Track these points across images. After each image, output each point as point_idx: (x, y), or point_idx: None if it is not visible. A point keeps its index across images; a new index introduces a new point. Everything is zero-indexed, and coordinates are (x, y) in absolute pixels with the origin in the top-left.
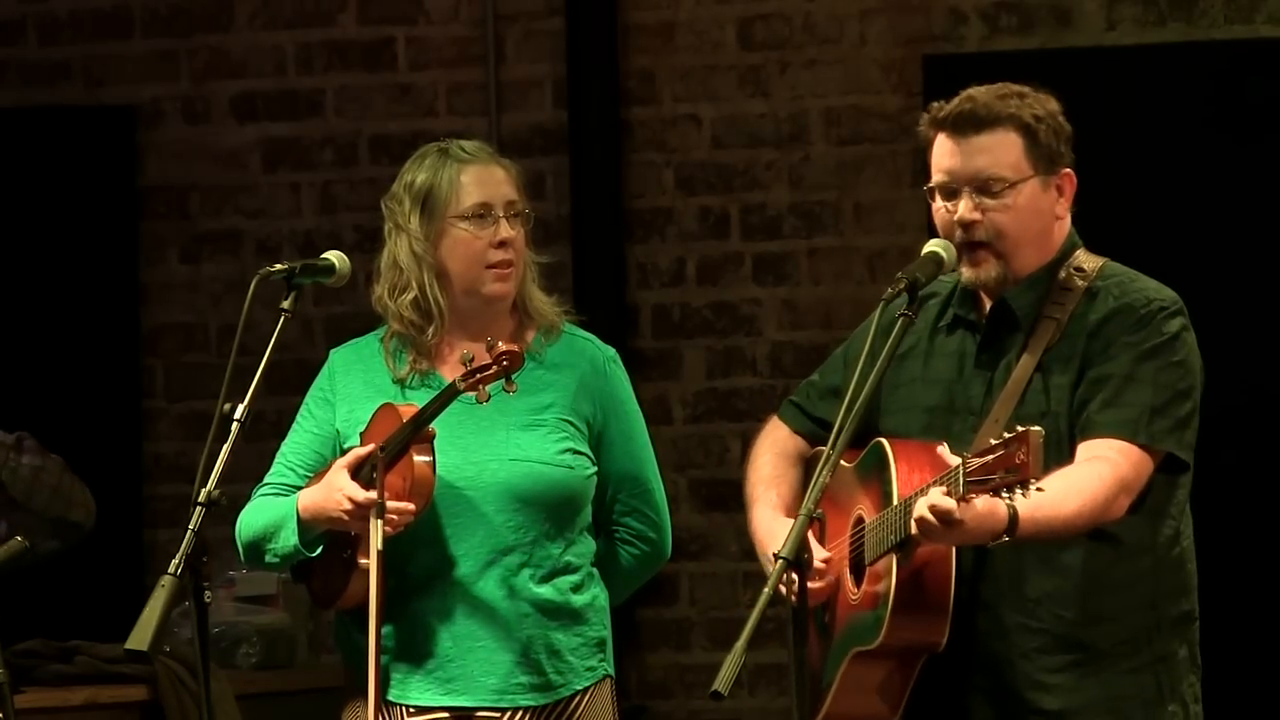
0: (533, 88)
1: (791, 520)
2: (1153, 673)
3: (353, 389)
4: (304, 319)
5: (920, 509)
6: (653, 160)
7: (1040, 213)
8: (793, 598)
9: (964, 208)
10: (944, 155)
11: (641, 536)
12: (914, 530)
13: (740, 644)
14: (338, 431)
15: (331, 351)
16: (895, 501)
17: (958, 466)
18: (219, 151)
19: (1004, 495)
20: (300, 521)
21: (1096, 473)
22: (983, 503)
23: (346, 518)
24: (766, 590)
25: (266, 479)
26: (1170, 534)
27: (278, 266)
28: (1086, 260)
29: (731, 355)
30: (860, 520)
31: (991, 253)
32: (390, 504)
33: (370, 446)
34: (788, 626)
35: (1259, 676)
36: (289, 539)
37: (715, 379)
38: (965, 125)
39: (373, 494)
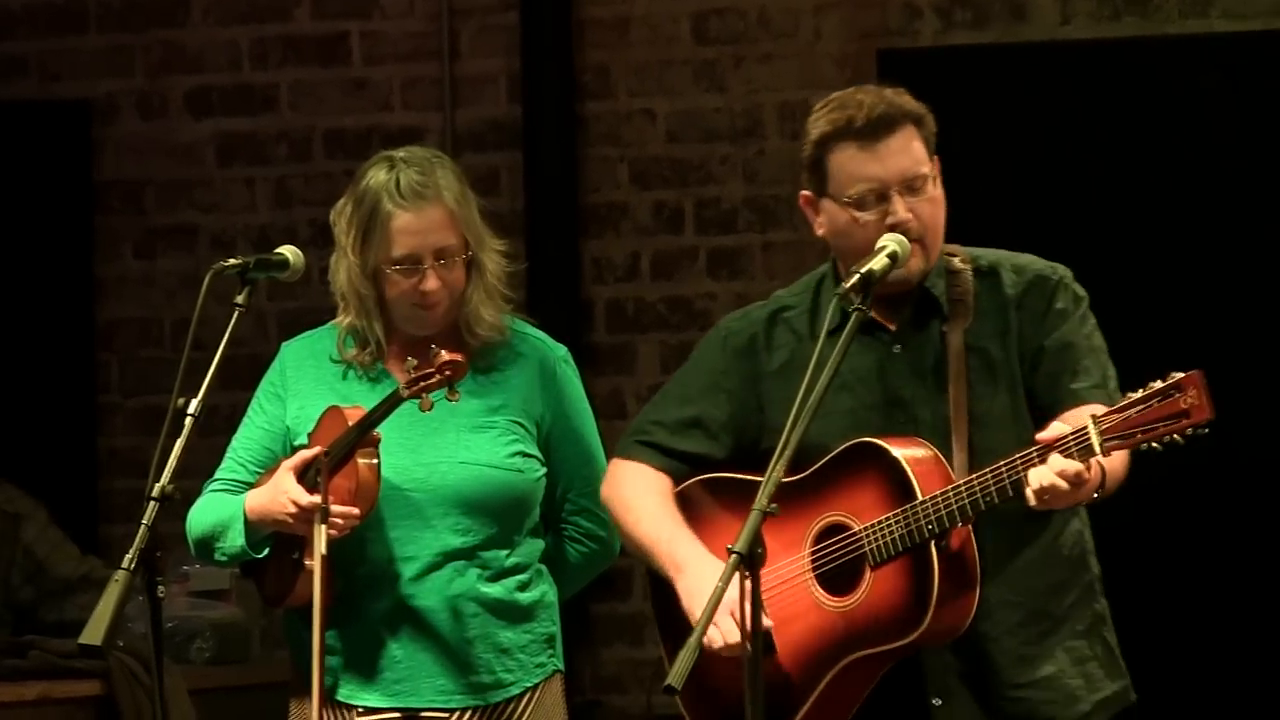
0: (487, 83)
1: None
2: (1099, 631)
3: (304, 385)
4: (258, 314)
5: (1045, 478)
6: (607, 155)
7: (943, 201)
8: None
9: (899, 209)
10: (860, 164)
11: (591, 535)
12: (1033, 501)
13: (694, 639)
14: (288, 427)
15: (283, 345)
16: (919, 496)
17: (1085, 428)
18: (174, 146)
19: (1156, 446)
20: (247, 522)
21: None
22: (1094, 462)
23: (291, 521)
24: (719, 585)
25: (217, 474)
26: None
27: (232, 261)
28: (947, 246)
29: (686, 350)
30: (838, 528)
31: (920, 247)
32: (334, 508)
33: (315, 450)
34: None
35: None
36: (236, 539)
37: (670, 373)
38: (880, 129)
39: (317, 498)
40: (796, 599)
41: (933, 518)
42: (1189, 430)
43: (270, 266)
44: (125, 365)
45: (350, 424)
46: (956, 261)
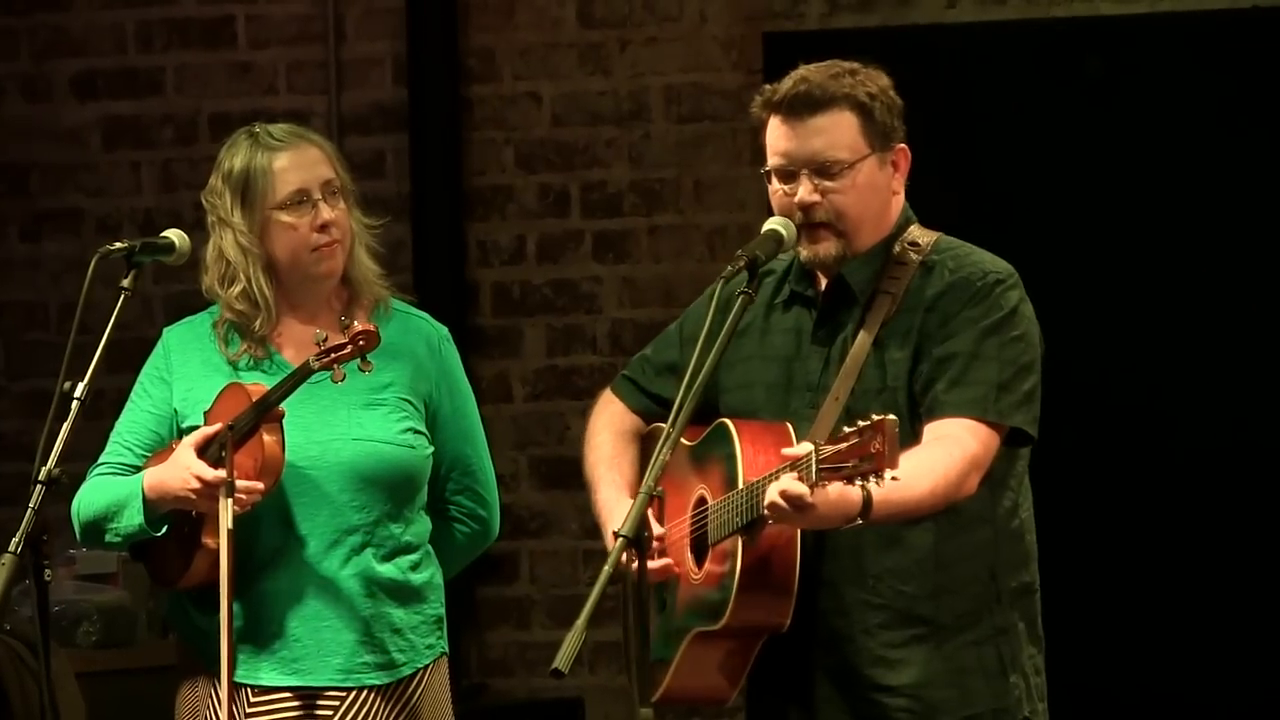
0: (373, 66)
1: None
2: (994, 644)
3: (190, 367)
4: (144, 297)
5: (772, 494)
6: (493, 138)
7: (878, 190)
8: (633, 575)
9: (803, 190)
10: (779, 138)
11: (472, 515)
12: (766, 514)
13: (581, 622)
14: (175, 410)
15: (165, 330)
16: (741, 484)
17: (810, 454)
18: (59, 130)
19: (857, 483)
20: (145, 500)
21: (947, 453)
22: (835, 488)
23: (194, 496)
24: (606, 568)
25: (102, 459)
26: (1009, 505)
27: (118, 245)
28: (920, 235)
29: (571, 333)
30: (703, 501)
31: (832, 232)
32: (240, 483)
33: (218, 425)
34: (628, 604)
35: (1111, 650)
36: (133, 518)
37: (556, 357)
38: (800, 107)
39: (222, 473)
40: (680, 560)
41: (734, 511)
42: (870, 475)
43: (156, 250)
44: (10, 349)
45: (253, 399)
46: (910, 253)
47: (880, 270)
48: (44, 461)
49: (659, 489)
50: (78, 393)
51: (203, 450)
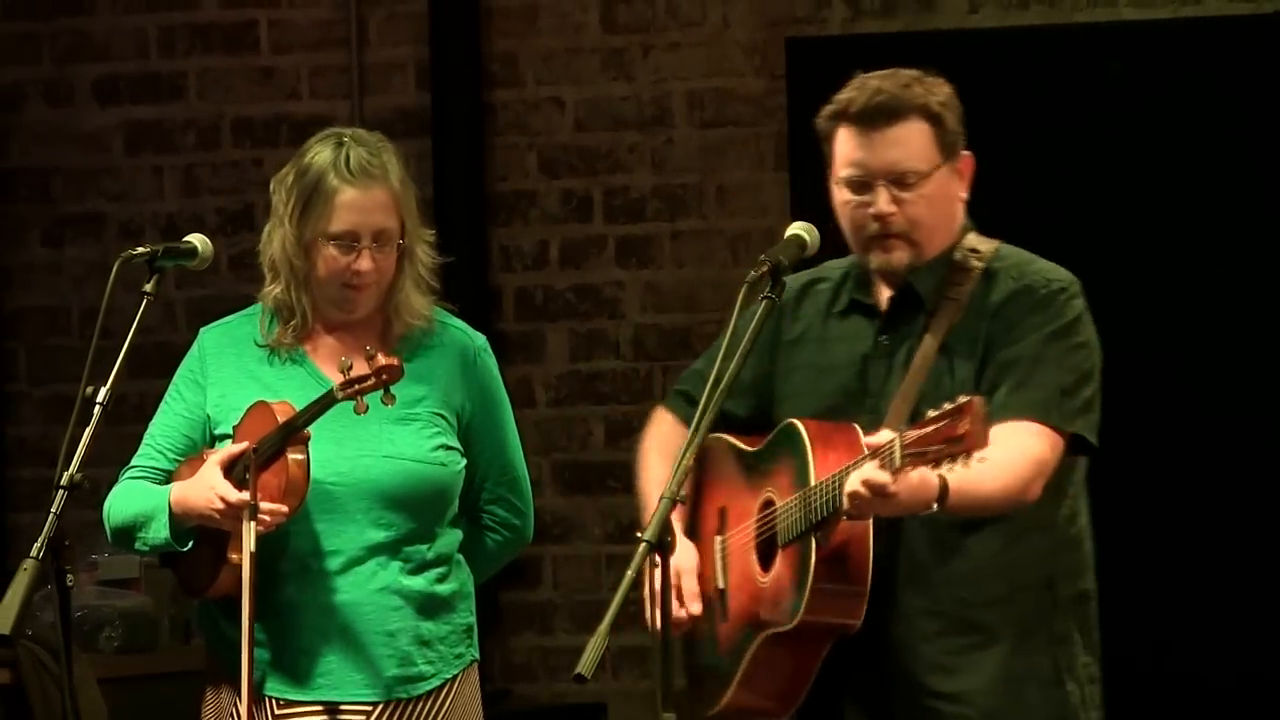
0: (395, 70)
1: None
2: (1050, 653)
3: (224, 373)
4: (166, 302)
5: (853, 483)
6: (515, 143)
7: (948, 199)
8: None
9: (880, 201)
10: (852, 149)
11: (506, 524)
12: (846, 505)
13: (604, 626)
14: (209, 415)
15: (201, 331)
16: (812, 482)
17: (892, 440)
18: (81, 135)
19: (943, 465)
20: (172, 515)
21: (1019, 452)
22: (916, 474)
23: (218, 516)
24: (629, 573)
25: (134, 461)
26: (1068, 513)
27: (140, 249)
28: (979, 242)
29: (594, 338)
30: (769, 504)
31: (905, 242)
32: (263, 505)
33: (243, 445)
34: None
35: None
36: (159, 532)
37: (578, 362)
38: (875, 117)
39: (246, 495)
40: (744, 567)
41: (806, 510)
42: (958, 457)
43: (178, 255)
44: (33, 354)
45: (278, 420)
46: (973, 259)
47: (945, 277)
48: (66, 467)
49: (682, 494)
50: (100, 398)
51: (228, 469)
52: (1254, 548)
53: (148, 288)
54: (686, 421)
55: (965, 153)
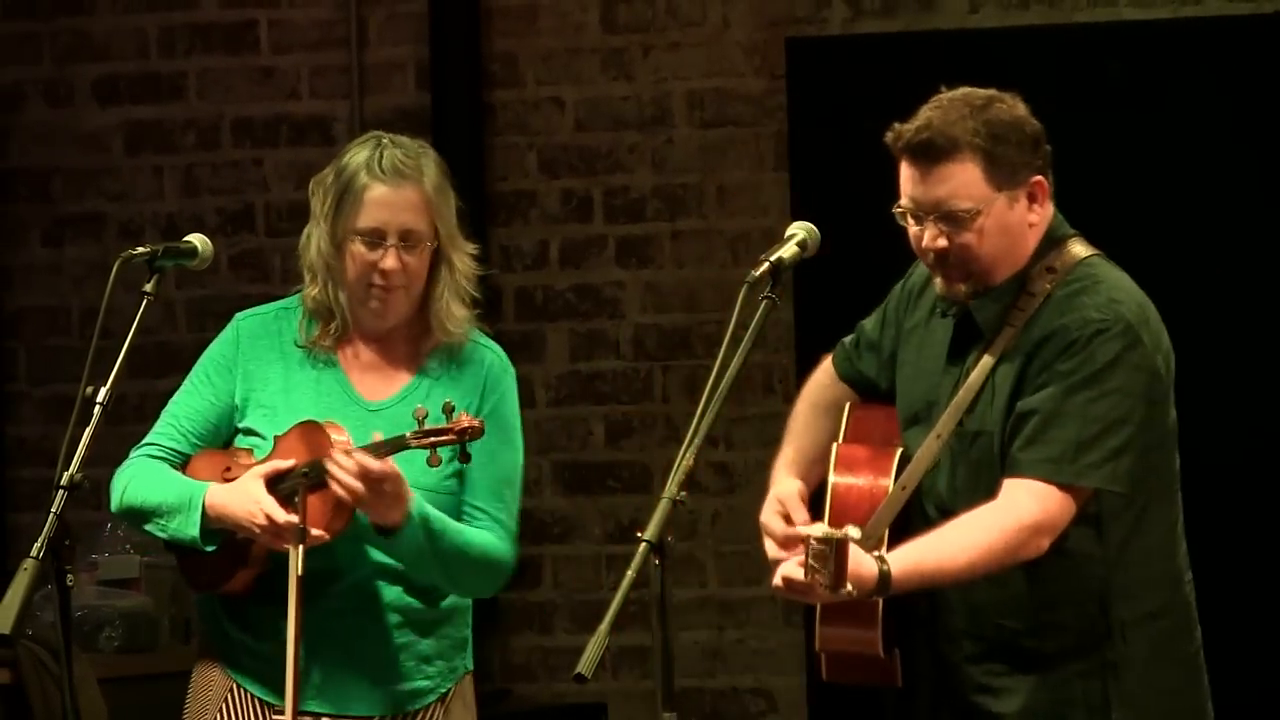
0: (395, 70)
1: (793, 478)
2: (1100, 678)
3: (255, 365)
4: (166, 302)
5: (777, 579)
6: (515, 143)
7: (1008, 229)
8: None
9: (928, 236)
10: (906, 181)
11: (491, 530)
12: (779, 585)
13: (604, 626)
14: (236, 405)
15: (237, 316)
16: (826, 513)
17: (808, 538)
18: (81, 135)
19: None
20: (205, 515)
21: (997, 523)
22: (852, 563)
23: (259, 531)
24: (630, 573)
25: (152, 438)
26: (1120, 538)
27: (140, 249)
28: (1060, 259)
29: (594, 338)
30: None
31: (962, 273)
32: (313, 531)
33: (290, 463)
34: (651, 609)
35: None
36: (187, 528)
37: (578, 362)
38: (923, 155)
39: (294, 518)
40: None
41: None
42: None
43: (178, 255)
44: (33, 353)
45: (331, 441)
46: (1044, 281)
47: (1010, 304)
48: (66, 467)
49: (682, 495)
50: (100, 398)
51: (272, 484)
52: (1254, 548)
53: (148, 288)
54: (843, 376)
55: (1036, 178)
